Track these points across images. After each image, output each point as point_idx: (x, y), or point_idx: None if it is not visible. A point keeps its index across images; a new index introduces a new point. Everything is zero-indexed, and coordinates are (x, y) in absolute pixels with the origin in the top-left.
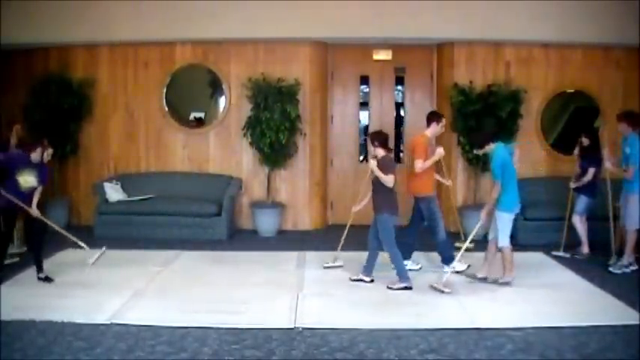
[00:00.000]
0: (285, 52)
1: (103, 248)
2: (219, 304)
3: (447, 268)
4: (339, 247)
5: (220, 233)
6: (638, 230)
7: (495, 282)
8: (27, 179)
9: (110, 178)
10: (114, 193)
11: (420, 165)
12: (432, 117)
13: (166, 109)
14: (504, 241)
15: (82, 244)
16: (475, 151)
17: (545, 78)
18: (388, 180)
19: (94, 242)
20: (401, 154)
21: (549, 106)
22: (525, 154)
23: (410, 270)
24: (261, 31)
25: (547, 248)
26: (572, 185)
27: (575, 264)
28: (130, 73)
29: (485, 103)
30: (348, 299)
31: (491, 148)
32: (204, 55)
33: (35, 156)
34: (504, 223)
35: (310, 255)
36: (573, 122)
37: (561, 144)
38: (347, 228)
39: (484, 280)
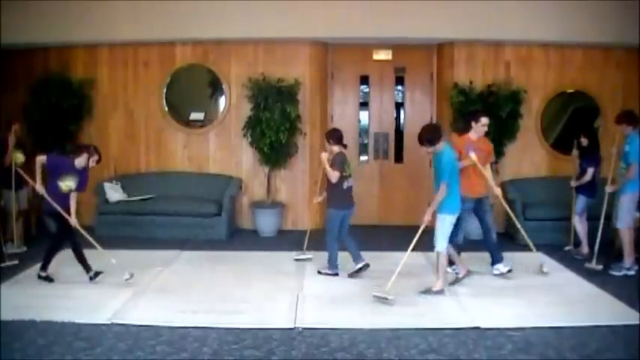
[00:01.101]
0: (285, 52)
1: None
2: (219, 304)
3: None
4: (304, 246)
5: (220, 233)
6: (638, 229)
7: (428, 292)
8: (68, 184)
9: (110, 178)
10: (114, 193)
11: None
12: (470, 117)
13: (166, 109)
14: (441, 245)
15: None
16: (426, 149)
17: (545, 78)
18: (332, 175)
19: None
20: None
21: (549, 106)
22: (525, 154)
23: (499, 274)
24: (261, 31)
25: (547, 248)
26: (573, 184)
27: (575, 264)
28: (130, 73)
29: (485, 103)
30: (348, 299)
31: (441, 147)
32: (204, 55)
33: (79, 162)
34: (444, 226)
35: (310, 255)
36: (573, 122)
37: (561, 144)
38: (308, 231)
39: (469, 273)
